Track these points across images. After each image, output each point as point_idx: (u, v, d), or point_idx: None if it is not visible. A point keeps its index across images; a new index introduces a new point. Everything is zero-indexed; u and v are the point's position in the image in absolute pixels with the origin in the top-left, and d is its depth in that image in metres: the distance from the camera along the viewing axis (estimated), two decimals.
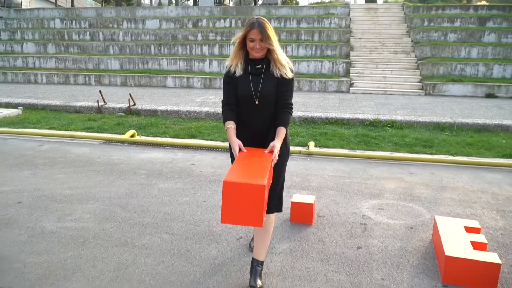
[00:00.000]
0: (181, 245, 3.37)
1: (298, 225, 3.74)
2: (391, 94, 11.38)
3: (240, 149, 2.64)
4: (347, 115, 8.41)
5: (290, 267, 3.02)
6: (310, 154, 6.15)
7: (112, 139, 7.04)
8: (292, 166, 5.56)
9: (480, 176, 5.19)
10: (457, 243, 2.92)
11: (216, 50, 14.58)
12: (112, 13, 18.15)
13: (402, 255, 3.20)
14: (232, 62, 2.73)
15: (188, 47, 14.83)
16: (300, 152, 6.22)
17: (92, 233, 3.59)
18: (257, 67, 2.69)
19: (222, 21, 16.25)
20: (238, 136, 2.74)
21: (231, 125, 2.72)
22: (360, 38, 14.22)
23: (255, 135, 2.80)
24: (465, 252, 2.79)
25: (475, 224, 3.27)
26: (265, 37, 2.56)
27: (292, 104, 2.78)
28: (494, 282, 2.69)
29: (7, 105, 10.25)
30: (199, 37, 15.63)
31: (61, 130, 7.72)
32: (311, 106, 9.58)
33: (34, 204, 4.22)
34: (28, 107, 10.15)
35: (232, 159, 2.81)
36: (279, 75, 2.66)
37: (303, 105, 9.73)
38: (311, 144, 6.48)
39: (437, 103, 10.10)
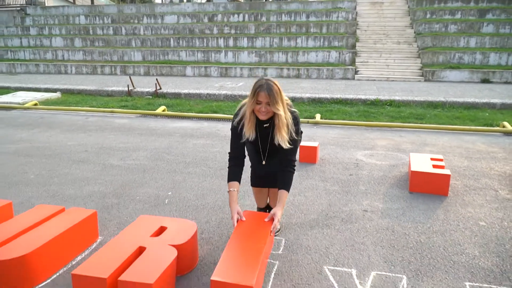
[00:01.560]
0: (216, 172, 4.48)
1: (305, 163, 4.83)
2: (393, 80, 12.37)
3: (238, 218, 2.60)
4: (351, 96, 9.45)
5: (298, 184, 4.11)
6: (316, 123, 7.22)
7: (146, 113, 8.19)
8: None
9: (459, 138, 6.21)
10: (421, 164, 3.99)
11: (231, 42, 15.67)
12: (132, 9, 19.37)
13: (382, 178, 4.27)
14: (246, 129, 2.62)
15: (204, 40, 15.96)
16: (308, 122, 7.29)
17: (149, 166, 4.72)
18: (264, 126, 2.66)
19: (235, 15, 17.35)
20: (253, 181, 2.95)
21: (233, 188, 2.63)
22: (365, 30, 15.21)
23: (264, 178, 2.93)
24: (426, 168, 3.86)
25: (439, 157, 4.33)
26: (272, 101, 2.47)
27: (295, 161, 2.69)
28: (446, 189, 3.75)
29: (47, 90, 11.47)
30: (215, 30, 16.74)
31: (101, 107, 8.89)
32: (319, 89, 10.63)
33: (98, 151, 5.37)
34: (65, 92, 11.36)
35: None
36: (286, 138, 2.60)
37: (311, 88, 10.79)
38: (318, 115, 7.55)
39: (434, 87, 11.08)
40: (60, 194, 3.86)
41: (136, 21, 18.36)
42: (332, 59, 13.89)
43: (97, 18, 18.89)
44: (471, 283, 2.37)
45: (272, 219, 2.57)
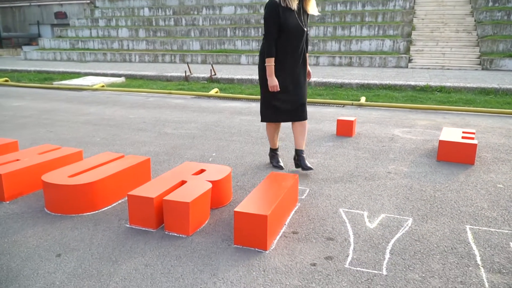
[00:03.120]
0: (257, 140, 4.91)
1: (342, 136, 5.11)
2: (448, 69, 12.09)
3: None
4: (400, 82, 9.46)
5: (331, 150, 4.43)
6: (360, 105, 7.42)
7: (200, 94, 8.80)
8: (344, 112, 6.88)
9: (504, 121, 6.15)
10: (451, 135, 4.15)
11: None
12: (192, 1, 20.27)
13: (413, 150, 4.47)
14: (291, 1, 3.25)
15: (259, 29, 16.42)
16: (352, 104, 7.51)
17: (198, 134, 5.25)
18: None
19: None
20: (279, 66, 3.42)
21: (272, 63, 3.28)
22: (423, 19, 14.87)
23: (297, 61, 3.53)
24: (454, 138, 4.03)
25: (471, 131, 4.44)
26: None
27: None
28: (472, 158, 3.90)
29: (113, 75, 12.51)
30: None
31: (160, 89, 9.64)
32: (369, 76, 10.70)
33: (155, 123, 6.00)
34: (129, 77, 12.33)
35: (266, 96, 3.53)
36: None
37: (362, 75, 10.88)
38: (363, 98, 7.73)
39: (490, 75, 10.73)
40: (121, 151, 4.48)
41: (195, 12, 19.22)
42: (386, 47, 13.79)
43: (160, 10, 19.99)
44: (471, 226, 2.60)
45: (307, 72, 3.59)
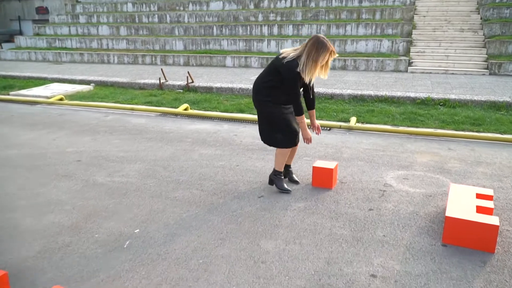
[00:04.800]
0: (207, 199, 3.75)
1: (317, 190, 3.95)
2: (452, 73, 10.87)
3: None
4: (398, 93, 8.27)
5: (299, 222, 3.28)
6: (349, 129, 6.25)
7: (167, 112, 7.63)
8: (329, 139, 5.72)
9: None
10: (462, 206, 2.99)
11: (275, 30, 14.76)
12: None
13: (411, 218, 3.31)
14: (311, 74, 3.51)
15: (248, 27, 15.16)
16: (340, 127, 6.33)
17: (134, 186, 4.09)
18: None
19: (283, 1, 16.35)
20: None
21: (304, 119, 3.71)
22: (424, 16, 13.59)
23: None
24: (466, 214, 2.86)
25: (488, 192, 3.28)
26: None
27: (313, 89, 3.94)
28: (492, 244, 2.75)
29: (81, 82, 11.34)
30: (260, 17, 15.88)
31: (124, 103, 8.47)
32: (363, 84, 9.50)
33: (90, 162, 4.84)
34: (99, 84, 11.15)
35: (286, 123, 3.74)
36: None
37: (355, 83, 9.68)
38: (353, 119, 6.55)
39: (500, 82, 9.51)
40: (11, 226, 3.33)
41: (181, 8, 17.95)
42: (383, 48, 12.55)
43: (144, 5, 18.71)
44: None
45: (316, 126, 3.99)
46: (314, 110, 3.99)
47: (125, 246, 2.94)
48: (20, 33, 24.62)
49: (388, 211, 3.45)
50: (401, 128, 6.17)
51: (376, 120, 6.73)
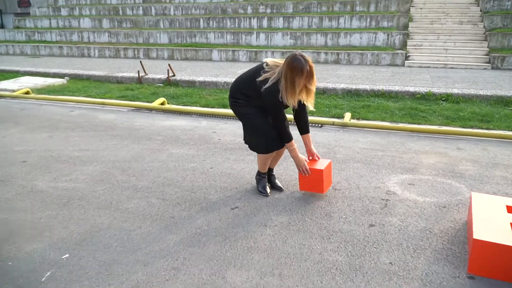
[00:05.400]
0: (167, 211, 3.00)
1: (305, 197, 3.22)
2: (452, 67, 10.20)
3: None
4: (396, 88, 7.57)
5: (281, 243, 2.54)
6: (344, 126, 5.52)
7: (140, 106, 6.85)
8: (321, 137, 5.00)
9: None
10: (492, 225, 2.27)
11: (265, 23, 14.00)
12: None
13: (423, 237, 2.59)
14: (293, 99, 2.91)
15: (236, 20, 14.39)
16: (333, 123, 5.61)
17: (80, 194, 3.33)
18: None
19: None
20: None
21: (294, 145, 3.11)
22: (421, 8, 12.92)
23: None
24: (501, 236, 2.15)
25: None
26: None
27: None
28: None
29: (55, 75, 10.50)
30: (249, 10, 15.11)
31: (96, 97, 7.67)
32: (358, 78, 8.79)
33: (37, 164, 4.06)
34: (74, 77, 10.33)
35: (264, 125, 3.16)
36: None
37: (349, 77, 8.96)
38: (347, 115, 5.83)
39: (504, 77, 8.85)
40: None
41: (167, 0, 17.11)
42: (379, 42, 11.85)
43: None
44: None
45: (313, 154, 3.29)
46: (309, 134, 3.25)
47: (43, 280, 2.18)
48: (2, 26, 23.60)
49: (393, 227, 2.72)
50: (401, 125, 5.45)
51: (372, 116, 6.02)
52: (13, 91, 8.22)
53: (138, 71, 9.69)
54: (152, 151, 4.47)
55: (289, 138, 3.04)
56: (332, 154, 4.31)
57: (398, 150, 4.42)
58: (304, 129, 3.22)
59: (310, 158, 3.29)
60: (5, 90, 8.39)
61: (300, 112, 3.16)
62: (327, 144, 4.70)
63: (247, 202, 3.13)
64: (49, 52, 15.31)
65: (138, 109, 6.80)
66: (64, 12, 18.14)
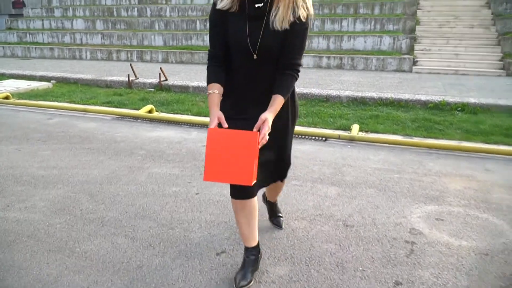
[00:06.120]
0: (135, 256, 2.36)
1: (309, 237, 2.58)
2: (464, 74, 9.60)
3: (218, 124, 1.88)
4: (406, 96, 6.95)
5: None
6: (351, 140, 4.89)
7: (125, 114, 6.21)
8: (326, 153, 4.36)
9: None
10: None
11: None
12: None
13: None
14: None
15: None
16: (339, 137, 4.97)
17: (32, 229, 2.69)
18: (257, 5, 1.90)
19: None
20: (225, 108, 2.00)
21: (213, 90, 1.98)
22: (429, 11, 12.33)
23: (249, 105, 2.05)
24: None
25: None
26: None
27: (300, 65, 2.02)
28: None
29: (41, 78, 9.87)
30: None
31: (79, 103, 7.04)
32: (363, 85, 8.17)
33: None
34: (61, 81, 9.70)
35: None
36: (291, 19, 1.88)
37: (354, 83, 8.34)
38: (355, 127, 5.20)
39: None
40: None
41: (163, 2, 16.52)
42: (384, 46, 11.24)
43: None
44: None
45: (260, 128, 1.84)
46: (278, 97, 1.94)
47: None
48: None
49: (426, 287, 2.09)
50: (416, 140, 4.82)
51: (382, 128, 5.39)
52: None
53: (128, 75, 9.07)
54: (130, 169, 3.84)
55: (207, 80, 2.04)
56: (340, 176, 3.68)
57: (416, 172, 3.79)
58: (277, 87, 1.98)
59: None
60: None
61: (284, 60, 1.98)
62: (334, 162, 4.06)
63: (237, 244, 2.49)
64: (40, 54, 14.68)
65: (123, 117, 6.16)
66: (57, 13, 17.53)
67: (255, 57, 1.94)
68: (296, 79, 2.02)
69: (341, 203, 3.11)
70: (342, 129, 5.35)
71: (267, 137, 1.84)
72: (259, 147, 1.79)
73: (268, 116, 1.86)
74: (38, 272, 2.21)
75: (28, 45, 15.23)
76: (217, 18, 1.96)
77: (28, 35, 16.15)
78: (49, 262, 2.30)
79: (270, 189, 2.57)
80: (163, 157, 4.24)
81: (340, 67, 10.81)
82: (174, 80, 8.96)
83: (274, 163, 2.17)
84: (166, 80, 8.79)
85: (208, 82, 2.03)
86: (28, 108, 6.78)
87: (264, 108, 1.91)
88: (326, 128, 5.42)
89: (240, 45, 1.94)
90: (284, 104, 1.99)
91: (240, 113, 2.03)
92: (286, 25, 1.87)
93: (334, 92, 7.37)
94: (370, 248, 2.45)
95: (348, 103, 7.02)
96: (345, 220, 2.83)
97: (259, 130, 1.82)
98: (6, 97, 7.43)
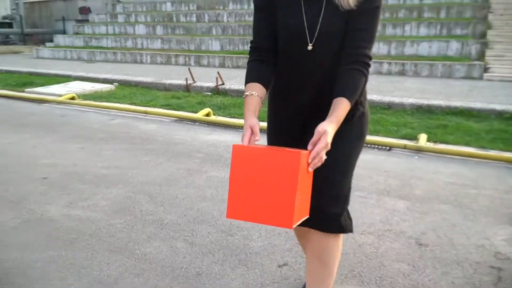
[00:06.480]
0: (194, 263, 2.28)
1: (380, 253, 2.37)
2: None
3: (251, 135, 1.42)
4: (478, 105, 6.46)
5: None
6: (419, 150, 4.57)
7: (184, 117, 6.26)
8: (391, 164, 4.10)
9: None
10: None
11: None
12: None
13: None
14: None
15: None
16: (404, 147, 4.67)
17: (94, 227, 2.69)
18: None
19: None
20: (274, 111, 1.72)
21: (251, 91, 1.53)
22: (501, 15, 11.53)
23: (304, 109, 1.63)
24: None
25: None
26: None
27: (370, 58, 1.52)
28: None
29: (104, 81, 10.29)
30: None
31: (140, 105, 7.21)
32: (429, 92, 7.72)
33: (57, 182, 3.52)
34: (122, 84, 10.05)
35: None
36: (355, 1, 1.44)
37: (418, 91, 7.90)
38: (422, 137, 4.86)
39: None
40: None
41: (221, 7, 16.77)
42: (451, 51, 10.62)
43: (183, 4, 17.72)
44: None
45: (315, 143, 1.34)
46: (343, 100, 1.44)
47: None
48: (64, 32, 24.50)
49: None
50: (493, 153, 4.40)
51: (453, 139, 5.00)
52: (60, 95, 7.98)
53: (186, 79, 9.21)
54: (188, 172, 3.80)
55: (246, 78, 1.62)
56: (408, 189, 3.42)
57: (496, 188, 3.43)
58: (339, 89, 1.48)
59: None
60: (53, 94, 8.18)
61: (348, 55, 1.51)
62: (400, 174, 3.79)
63: (299, 257, 2.33)
64: (104, 57, 15.39)
65: (181, 120, 6.21)
66: (121, 19, 18.34)
67: (310, 47, 1.50)
68: (366, 77, 1.51)
69: (411, 218, 2.86)
70: (407, 139, 5.03)
71: (325, 156, 1.35)
72: (311, 169, 1.33)
73: (328, 128, 1.35)
74: (99, 272, 2.18)
75: (93, 49, 16.02)
76: (264, 2, 1.57)
77: (93, 39, 17.01)
78: (110, 263, 2.26)
79: (313, 258, 1.70)
80: (221, 161, 4.17)
81: (402, 73, 10.34)
82: (231, 84, 8.97)
83: (316, 199, 1.45)
84: (223, 84, 8.82)
85: (247, 81, 1.59)
86: (92, 109, 7.04)
87: (322, 117, 1.42)
88: (389, 137, 5.12)
89: (293, 31, 1.52)
90: (349, 112, 1.47)
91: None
92: (353, 3, 1.45)
93: (396, 99, 7.01)
94: (449, 272, 2.20)
95: (412, 111, 6.64)
96: (418, 238, 2.58)
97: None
98: (72, 98, 7.78)
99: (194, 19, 16.46)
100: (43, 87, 9.19)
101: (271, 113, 1.76)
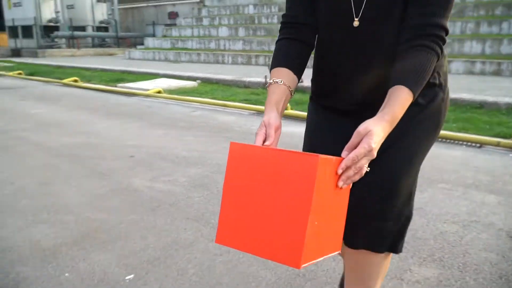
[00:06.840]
0: None
1: (465, 242, 2.20)
2: None
3: (266, 135, 1.13)
4: None
5: None
6: None
7: (262, 110, 6.35)
8: (481, 160, 3.79)
9: None
10: None
11: None
12: None
13: None
14: None
15: None
16: (498, 144, 4.29)
17: (174, 199, 2.83)
18: None
19: None
20: (316, 107, 1.37)
21: (276, 79, 1.17)
22: None
23: (352, 101, 1.25)
24: None
25: None
26: None
27: (445, 30, 1.07)
28: None
29: (188, 78, 10.81)
30: None
31: (219, 99, 7.47)
32: None
33: (142, 160, 3.77)
34: (205, 81, 10.49)
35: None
36: None
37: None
38: None
39: None
40: None
41: None
42: None
43: (265, 7, 18.05)
44: None
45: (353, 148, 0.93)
46: (402, 89, 0.98)
47: None
48: (153, 35, 26.24)
49: None
50: None
51: None
52: (147, 90, 8.55)
53: (265, 76, 9.35)
54: None
55: (272, 61, 1.27)
56: (500, 185, 3.13)
57: None
58: (397, 76, 1.03)
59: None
60: (141, 89, 8.79)
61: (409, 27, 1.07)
62: (491, 170, 3.49)
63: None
64: (189, 58, 16.19)
65: (259, 113, 6.33)
66: (205, 22, 19.16)
67: (356, 23, 1.12)
68: (439, 56, 1.06)
69: (503, 212, 2.62)
70: (501, 137, 4.61)
71: (366, 168, 0.96)
72: (342, 184, 0.95)
73: (374, 127, 0.94)
74: (176, 235, 2.28)
75: (179, 51, 16.93)
76: None
77: (179, 42, 17.98)
78: (187, 228, 2.37)
79: (348, 269, 1.34)
80: (296, 149, 4.16)
81: (497, 73, 9.53)
82: (308, 82, 8.92)
83: (363, 209, 1.15)
84: (302, 81, 8.80)
85: (272, 65, 1.23)
86: (176, 102, 7.43)
87: (373, 112, 1.01)
88: (480, 135, 4.74)
89: (335, 4, 1.15)
90: (412, 105, 1.02)
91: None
92: None
93: (490, 98, 6.48)
94: None
95: (507, 111, 6.09)
96: (510, 231, 2.36)
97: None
98: (159, 92, 8.29)
99: (275, 20, 16.68)
100: (133, 83, 9.91)
101: (311, 108, 1.44)
